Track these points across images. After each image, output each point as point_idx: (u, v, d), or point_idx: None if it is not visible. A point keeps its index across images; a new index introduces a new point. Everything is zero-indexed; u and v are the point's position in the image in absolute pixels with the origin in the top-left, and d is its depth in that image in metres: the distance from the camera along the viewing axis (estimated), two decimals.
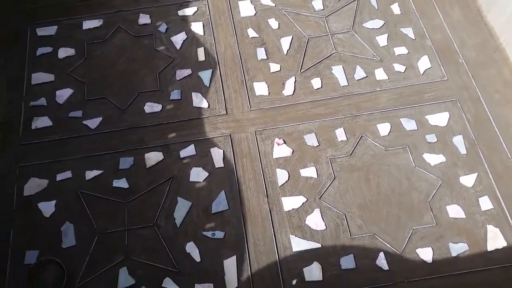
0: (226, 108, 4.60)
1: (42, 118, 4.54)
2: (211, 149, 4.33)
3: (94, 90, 4.74)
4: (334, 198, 4.04)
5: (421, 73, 4.72)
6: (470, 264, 3.71)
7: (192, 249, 3.86)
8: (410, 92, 4.61)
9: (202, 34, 5.09)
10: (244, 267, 3.76)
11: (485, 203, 3.97)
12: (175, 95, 4.70)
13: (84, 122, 4.52)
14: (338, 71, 4.78)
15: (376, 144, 4.30)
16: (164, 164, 4.28)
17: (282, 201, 4.04)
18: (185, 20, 5.18)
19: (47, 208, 4.07)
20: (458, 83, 4.66)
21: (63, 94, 4.69)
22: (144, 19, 5.16)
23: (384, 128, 4.39)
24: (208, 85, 4.76)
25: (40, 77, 4.80)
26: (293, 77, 4.76)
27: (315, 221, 3.93)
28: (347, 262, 3.73)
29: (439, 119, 4.43)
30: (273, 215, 3.99)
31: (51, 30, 5.12)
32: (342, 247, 3.80)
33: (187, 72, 4.85)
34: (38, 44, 5.01)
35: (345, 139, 4.34)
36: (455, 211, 3.93)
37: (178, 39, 5.05)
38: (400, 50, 4.89)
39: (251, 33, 5.11)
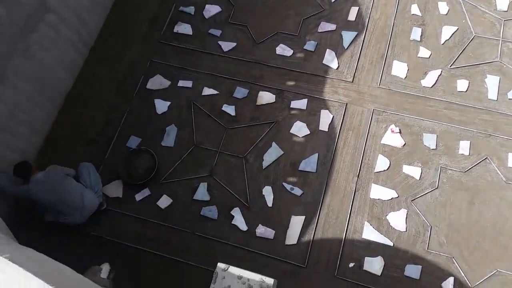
0: (354, 76, 5.03)
1: (185, 25, 5.52)
2: (322, 111, 4.87)
3: (239, 16, 5.54)
4: (427, 207, 4.32)
5: None
6: None
7: (268, 193, 4.55)
8: None
9: None
10: (309, 230, 4.34)
11: None
12: (310, 46, 5.25)
13: (219, 42, 5.38)
14: (492, 82, 4.83)
15: (499, 172, 4.38)
16: (272, 107, 4.96)
17: (372, 187, 4.45)
18: None
19: (161, 106, 5.09)
20: None
21: (211, 10, 5.58)
22: None
23: None
24: (346, 47, 5.21)
25: None
26: (440, 70, 4.94)
27: (397, 219, 4.29)
28: (412, 271, 4.06)
29: None
30: (356, 196, 4.44)
31: None
32: (414, 255, 4.13)
33: (331, 27, 5.34)
34: None
35: (467, 154, 4.49)
36: None
37: None
38: None
39: (414, 9, 5.34)
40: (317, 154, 4.67)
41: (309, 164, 4.63)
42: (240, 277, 2.32)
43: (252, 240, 4.39)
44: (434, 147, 4.57)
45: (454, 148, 4.55)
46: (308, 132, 4.79)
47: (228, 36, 5.44)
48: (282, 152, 4.72)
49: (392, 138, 4.67)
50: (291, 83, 5.10)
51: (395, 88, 4.92)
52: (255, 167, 4.70)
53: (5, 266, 1.62)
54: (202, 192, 4.63)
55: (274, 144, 4.78)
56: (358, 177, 4.52)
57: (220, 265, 2.36)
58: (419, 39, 5.15)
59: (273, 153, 4.73)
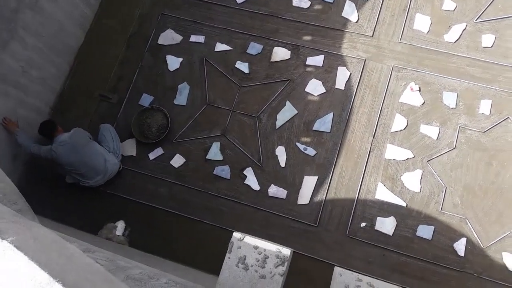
0: (374, 30, 5.09)
1: None
2: (339, 67, 4.99)
3: None
4: (443, 168, 4.50)
5: None
6: None
7: (281, 153, 4.79)
8: None
9: None
10: (321, 190, 4.60)
11: None
12: None
13: None
14: None
15: None
16: (287, 64, 5.10)
17: (387, 147, 4.64)
18: None
19: (174, 62, 5.28)
20: None
21: None
22: None
23: None
24: None
25: None
26: (465, 24, 4.96)
27: (411, 180, 4.50)
28: (425, 231, 4.32)
29: None
30: (371, 156, 4.64)
31: None
32: (427, 216, 4.37)
33: None
34: None
35: (488, 113, 4.60)
36: None
37: None
38: None
39: None
40: (332, 114, 4.85)
41: (324, 123, 4.82)
42: (256, 247, 2.55)
43: (264, 199, 4.68)
44: (454, 106, 4.69)
45: (475, 107, 4.66)
46: (324, 91, 4.95)
47: None
48: (296, 112, 4.91)
49: (411, 96, 4.79)
50: (308, 38, 5.20)
51: (416, 44, 4.98)
52: (268, 126, 4.92)
53: (9, 252, 1.59)
54: (215, 152, 4.90)
55: (288, 103, 4.96)
56: (373, 137, 4.70)
57: (236, 234, 2.59)
58: None
59: (287, 113, 4.93)
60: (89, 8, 5.60)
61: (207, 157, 4.90)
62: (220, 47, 5.29)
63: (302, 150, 4.77)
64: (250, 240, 2.64)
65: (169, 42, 5.42)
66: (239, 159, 4.86)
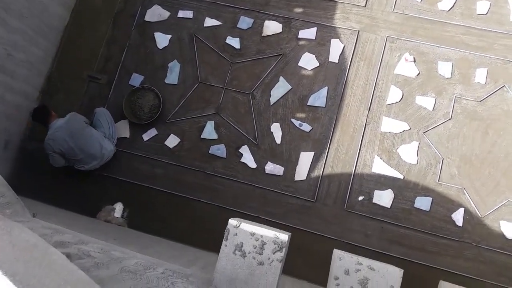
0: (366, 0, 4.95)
1: None
2: (332, 40, 4.86)
3: None
4: (440, 139, 4.46)
5: None
6: None
7: (276, 130, 4.71)
8: None
9: None
10: (318, 166, 4.55)
11: None
12: None
13: None
14: None
15: None
16: (279, 38, 4.96)
17: (383, 120, 4.57)
18: None
19: (162, 40, 5.12)
20: None
21: None
22: None
23: None
24: None
25: None
26: None
27: (408, 152, 4.45)
28: (422, 202, 4.31)
29: None
30: (367, 130, 4.58)
31: None
32: (424, 187, 4.35)
33: None
34: None
35: (483, 82, 4.53)
36: None
37: None
38: None
39: None
40: (326, 88, 4.75)
41: (318, 98, 4.73)
42: (253, 234, 2.49)
43: (261, 177, 4.63)
44: (449, 76, 4.60)
45: (470, 77, 4.58)
46: (317, 65, 4.83)
47: None
48: (290, 87, 4.81)
49: (406, 67, 4.70)
50: (299, 10, 5.04)
51: (410, 13, 4.84)
52: (263, 103, 4.82)
53: None
54: (209, 131, 4.81)
55: (281, 78, 4.84)
56: (369, 110, 4.63)
57: (232, 221, 2.52)
58: None
59: (280, 88, 4.82)
60: None
61: (201, 136, 4.80)
62: (210, 22, 5.12)
63: (298, 126, 4.69)
64: (247, 226, 2.58)
65: (157, 19, 5.23)
66: (234, 137, 4.77)
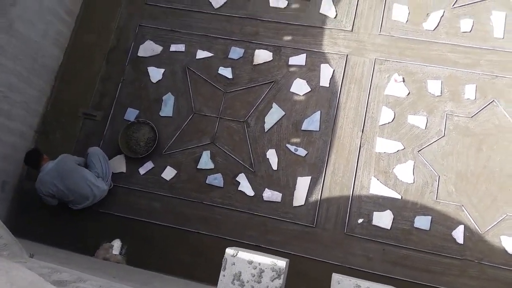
0: (353, 24, 5.02)
1: None
2: (322, 65, 4.92)
3: None
4: (434, 157, 4.46)
5: None
6: None
7: (272, 156, 4.71)
8: None
9: None
10: (316, 190, 4.54)
11: None
12: None
13: None
14: (498, 19, 4.79)
15: (506, 115, 4.47)
16: (270, 66, 5.02)
17: (377, 141, 4.58)
18: None
19: (156, 74, 5.17)
20: None
21: None
22: None
23: None
24: None
25: None
26: (442, 10, 4.91)
27: (404, 172, 4.45)
28: (422, 222, 4.28)
29: None
30: (362, 151, 4.59)
31: None
32: (423, 206, 4.33)
33: None
34: None
35: (473, 98, 4.57)
36: None
37: None
38: None
39: None
40: (319, 112, 4.78)
41: (312, 122, 4.75)
42: (250, 262, 2.46)
43: (260, 204, 4.60)
44: (439, 94, 4.64)
45: (460, 93, 4.62)
46: (309, 89, 4.87)
47: None
48: (284, 113, 4.83)
49: (396, 87, 4.74)
50: (288, 37, 5.11)
51: (396, 34, 4.92)
52: (257, 130, 4.83)
53: None
54: (205, 161, 4.80)
55: (274, 105, 4.87)
56: (362, 131, 4.65)
57: (229, 250, 2.49)
58: None
59: (274, 115, 4.84)
60: (64, 25, 5.43)
61: (198, 167, 4.80)
62: (201, 54, 5.18)
63: (293, 151, 4.69)
64: (244, 254, 2.55)
65: (150, 54, 5.29)
66: (231, 165, 4.77)
